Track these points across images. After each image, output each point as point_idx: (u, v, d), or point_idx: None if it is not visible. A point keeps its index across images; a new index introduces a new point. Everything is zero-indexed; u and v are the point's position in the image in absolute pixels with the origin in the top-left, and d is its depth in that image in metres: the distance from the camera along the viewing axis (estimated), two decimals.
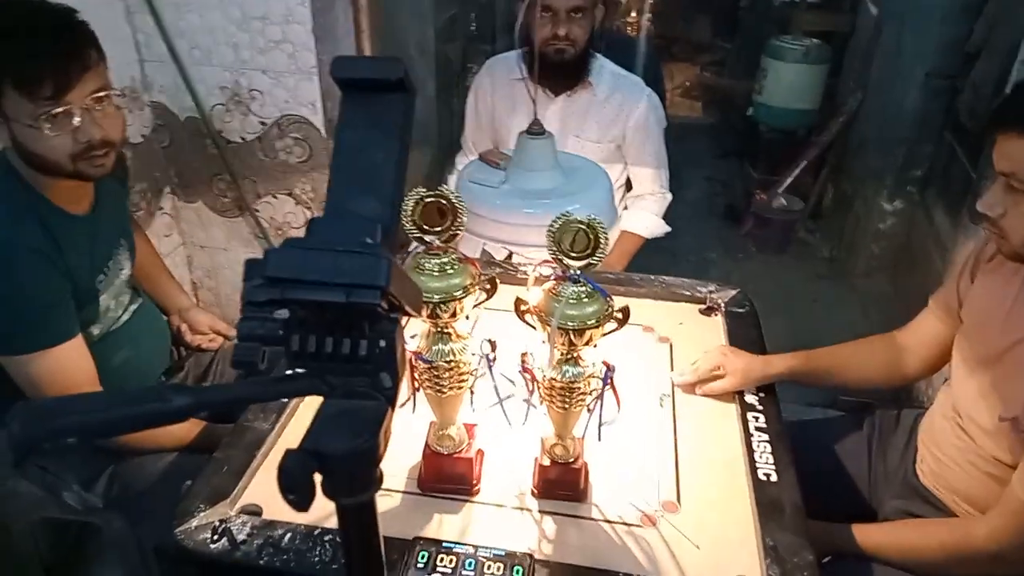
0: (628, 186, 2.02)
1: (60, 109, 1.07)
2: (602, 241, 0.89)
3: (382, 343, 0.39)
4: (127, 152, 1.85)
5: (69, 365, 1.16)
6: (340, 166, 0.41)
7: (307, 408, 1.21)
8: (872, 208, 2.99)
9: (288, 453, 0.38)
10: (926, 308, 1.26)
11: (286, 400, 1.19)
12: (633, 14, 3.10)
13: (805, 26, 3.68)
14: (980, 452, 1.05)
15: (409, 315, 0.43)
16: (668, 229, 2.00)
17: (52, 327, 1.14)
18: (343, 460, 0.38)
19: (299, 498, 0.37)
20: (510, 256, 1.75)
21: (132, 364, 1.36)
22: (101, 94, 1.11)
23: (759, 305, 1.52)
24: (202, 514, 0.98)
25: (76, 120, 1.09)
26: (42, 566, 1.36)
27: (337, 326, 0.39)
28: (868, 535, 1.09)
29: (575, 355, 0.96)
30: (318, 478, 0.39)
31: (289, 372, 0.41)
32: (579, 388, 0.97)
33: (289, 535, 0.95)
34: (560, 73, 1.78)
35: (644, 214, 1.98)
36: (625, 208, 2.02)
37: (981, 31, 2.25)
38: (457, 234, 0.93)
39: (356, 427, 0.38)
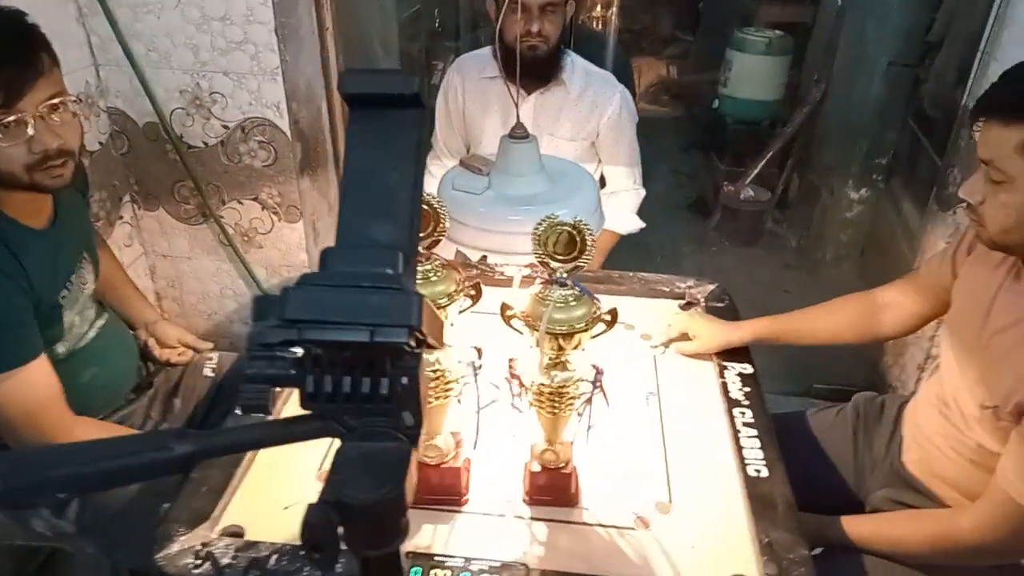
0: (602, 183, 2.01)
1: (12, 118, 1.01)
2: (588, 243, 0.87)
3: (404, 380, 0.36)
4: (84, 160, 1.78)
5: (34, 386, 1.11)
6: (351, 189, 0.37)
7: None
8: (839, 197, 3.03)
9: (310, 507, 0.35)
10: (914, 272, 1.28)
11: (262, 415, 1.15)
12: (599, 8, 3.08)
13: (768, 18, 3.73)
14: (965, 439, 1.05)
15: (433, 348, 0.40)
16: (643, 225, 2.00)
17: (14, 347, 1.09)
18: (369, 511, 0.35)
19: (326, 556, 0.34)
20: (485, 257, 1.73)
21: (100, 382, 1.30)
22: (56, 101, 1.05)
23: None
24: (182, 538, 0.94)
25: (30, 129, 1.03)
26: None
27: (355, 364, 0.36)
28: (856, 527, 1.09)
29: (563, 359, 0.94)
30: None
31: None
32: (568, 392, 0.95)
33: (275, 556, 0.92)
34: (533, 70, 1.76)
35: (619, 211, 1.97)
36: None
37: (943, 20, 2.28)
38: (439, 240, 0.90)
39: (380, 473, 0.35)
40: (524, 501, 1.04)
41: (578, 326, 0.89)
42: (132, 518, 1.20)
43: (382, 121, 0.36)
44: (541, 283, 0.92)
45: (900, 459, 1.20)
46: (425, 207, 0.88)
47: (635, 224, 1.98)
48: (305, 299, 0.34)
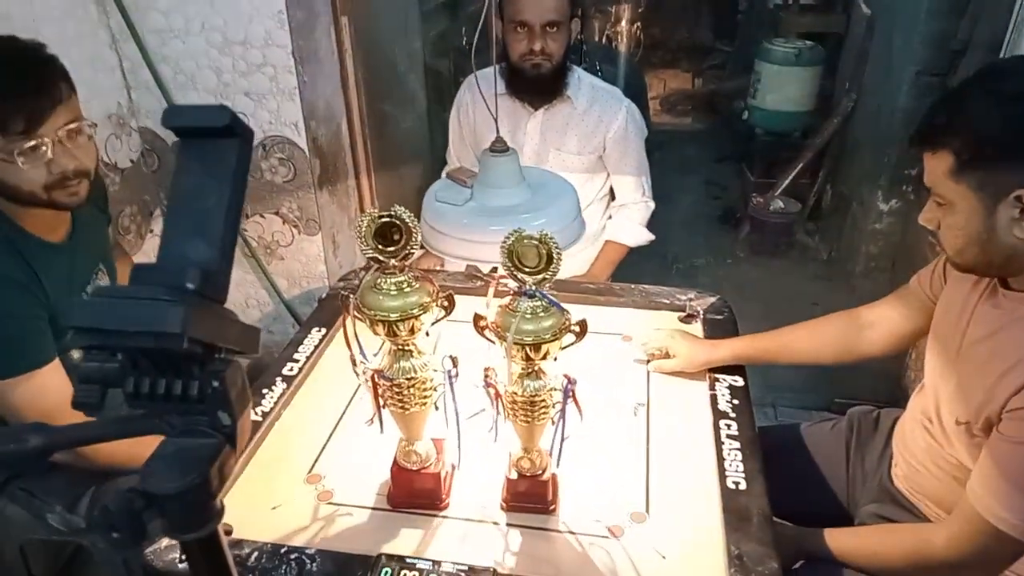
0: (612, 195, 2.03)
1: (32, 143, 1.08)
2: (555, 256, 0.89)
3: (215, 384, 0.40)
4: (116, 177, 1.88)
5: (48, 389, 1.18)
6: (174, 212, 0.42)
7: (277, 433, 1.22)
8: (868, 208, 2.97)
9: (116, 493, 0.39)
10: (904, 287, 1.27)
11: (260, 419, 1.21)
12: (623, 23, 3.11)
13: (798, 28, 3.68)
14: (946, 455, 1.04)
15: (240, 354, 0.44)
16: (652, 237, 2.00)
17: (30, 353, 1.16)
18: (172, 498, 0.39)
19: (124, 536, 0.38)
20: (495, 269, 1.76)
21: None
22: (72, 126, 1.13)
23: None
24: None
25: (49, 153, 1.11)
26: None
27: (168, 368, 0.40)
28: (837, 539, 1.08)
29: (535, 369, 0.96)
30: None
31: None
32: (542, 401, 0.97)
33: (256, 554, 0.96)
34: (538, 87, 1.79)
35: (627, 223, 1.98)
36: (610, 217, 2.03)
37: (965, 28, 2.24)
38: (412, 253, 0.94)
39: (188, 466, 0.39)
40: (501, 507, 1.06)
41: (546, 336, 0.91)
42: None
43: (204, 150, 0.41)
44: (511, 294, 0.94)
45: (889, 474, 1.19)
46: (398, 222, 0.91)
47: (643, 236, 1.99)
48: (85, 309, 0.38)
